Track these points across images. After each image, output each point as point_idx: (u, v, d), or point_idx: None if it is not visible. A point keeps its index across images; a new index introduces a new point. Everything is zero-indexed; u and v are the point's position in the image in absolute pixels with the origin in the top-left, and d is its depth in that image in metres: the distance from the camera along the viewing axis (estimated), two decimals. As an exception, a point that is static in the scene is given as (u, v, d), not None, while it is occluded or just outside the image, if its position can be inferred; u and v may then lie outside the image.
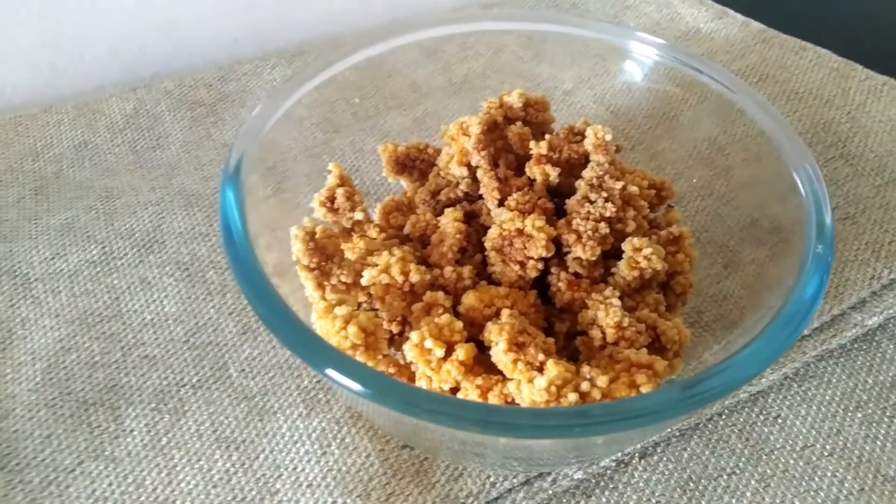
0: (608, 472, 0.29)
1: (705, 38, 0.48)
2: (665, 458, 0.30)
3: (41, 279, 0.36)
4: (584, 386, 0.22)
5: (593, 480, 0.29)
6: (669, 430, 0.30)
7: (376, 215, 0.33)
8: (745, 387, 0.31)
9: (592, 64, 0.41)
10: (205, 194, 0.41)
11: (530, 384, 0.22)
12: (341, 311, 0.25)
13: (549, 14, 0.37)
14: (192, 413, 0.31)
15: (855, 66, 0.43)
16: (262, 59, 0.50)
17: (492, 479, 0.28)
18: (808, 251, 0.24)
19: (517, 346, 0.24)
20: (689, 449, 0.30)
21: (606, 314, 0.26)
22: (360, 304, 0.29)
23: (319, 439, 0.30)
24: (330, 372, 0.21)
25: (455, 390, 0.26)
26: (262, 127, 0.31)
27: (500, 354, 0.24)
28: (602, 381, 0.22)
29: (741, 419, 0.31)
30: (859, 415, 0.31)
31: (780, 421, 0.31)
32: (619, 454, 0.29)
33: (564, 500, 0.29)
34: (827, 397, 0.32)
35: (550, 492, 0.28)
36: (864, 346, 0.33)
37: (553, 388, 0.21)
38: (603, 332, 0.26)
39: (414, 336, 0.25)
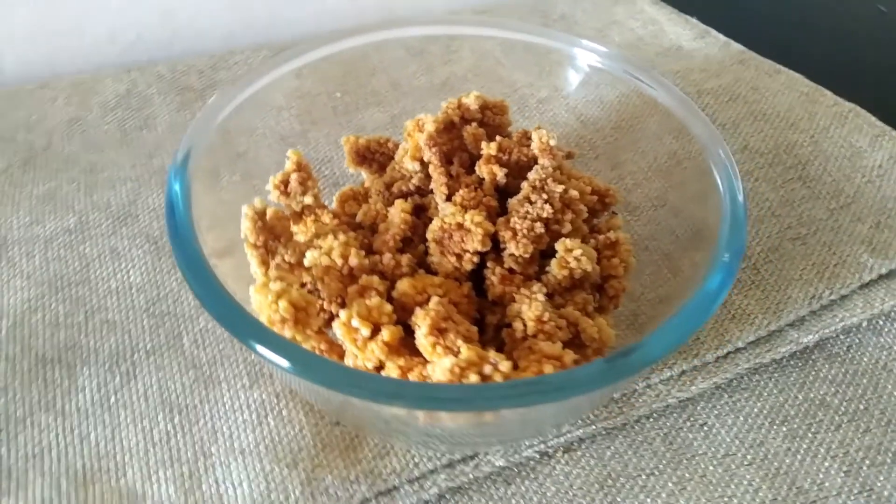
0: (531, 462, 0.31)
1: (685, 56, 0.49)
2: (588, 454, 0.31)
3: (18, 242, 0.38)
4: (487, 369, 0.23)
5: (515, 469, 0.30)
6: (594, 426, 0.31)
7: (334, 202, 0.34)
8: (675, 392, 0.32)
9: (567, 75, 0.42)
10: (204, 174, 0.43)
11: (437, 365, 0.23)
12: (275, 286, 0.26)
13: (530, 26, 0.38)
14: (142, 376, 0.33)
15: (824, 91, 0.44)
16: (254, 50, 0.52)
17: (416, 459, 0.30)
18: (719, 258, 0.25)
19: (439, 332, 0.26)
20: (612, 447, 0.31)
21: (529, 307, 0.27)
22: (303, 285, 0.30)
23: (258, 410, 0.31)
24: (253, 344, 0.23)
25: (380, 369, 0.27)
26: (221, 112, 0.32)
27: (421, 338, 0.26)
28: (504, 366, 0.23)
29: (668, 423, 0.32)
30: (784, 428, 0.32)
31: (705, 428, 0.32)
32: (543, 446, 0.30)
33: (485, 486, 0.30)
34: (755, 409, 0.33)
35: (472, 476, 0.30)
36: (799, 364, 0.34)
37: (456, 370, 0.23)
38: (525, 325, 0.27)
39: (342, 314, 0.26)
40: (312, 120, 0.45)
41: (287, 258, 0.29)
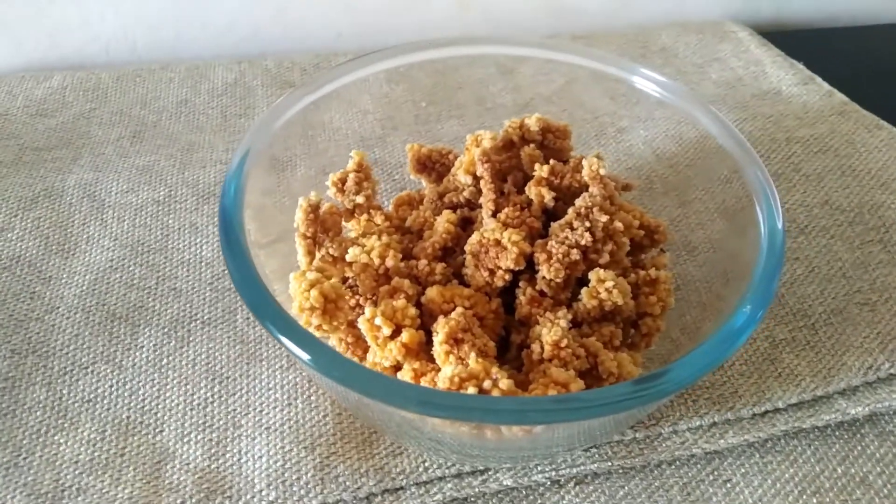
0: (540, 487, 0.31)
1: (782, 101, 0.47)
2: (600, 490, 0.31)
3: (113, 206, 0.42)
4: (487, 384, 0.23)
5: (523, 492, 0.30)
6: (610, 462, 0.31)
7: (391, 205, 0.36)
8: (702, 443, 0.31)
9: (649, 109, 0.41)
10: (280, 162, 0.45)
11: (441, 373, 0.24)
12: (311, 275, 0.28)
13: (622, 61, 0.38)
14: (194, 344, 0.35)
15: (927, 154, 0.41)
16: (358, 53, 0.54)
17: (426, 464, 0.30)
18: (742, 305, 0.25)
19: (455, 341, 0.26)
20: (626, 488, 0.31)
21: (549, 331, 0.27)
22: (346, 279, 0.32)
23: (289, 391, 0.33)
24: (275, 332, 0.24)
25: (398, 369, 0.28)
26: (303, 105, 0.34)
27: (437, 344, 0.26)
28: (504, 383, 0.23)
29: (689, 473, 0.31)
30: (815, 500, 0.30)
31: (728, 485, 0.31)
32: (554, 473, 0.30)
33: (491, 503, 0.30)
34: (787, 475, 0.31)
35: (478, 490, 0.30)
36: (845, 436, 0.32)
37: (456, 379, 0.23)
38: (542, 348, 0.27)
39: (367, 311, 0.27)
40: (394, 125, 0.47)
41: (331, 251, 0.31)
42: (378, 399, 0.22)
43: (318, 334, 0.28)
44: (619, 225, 0.30)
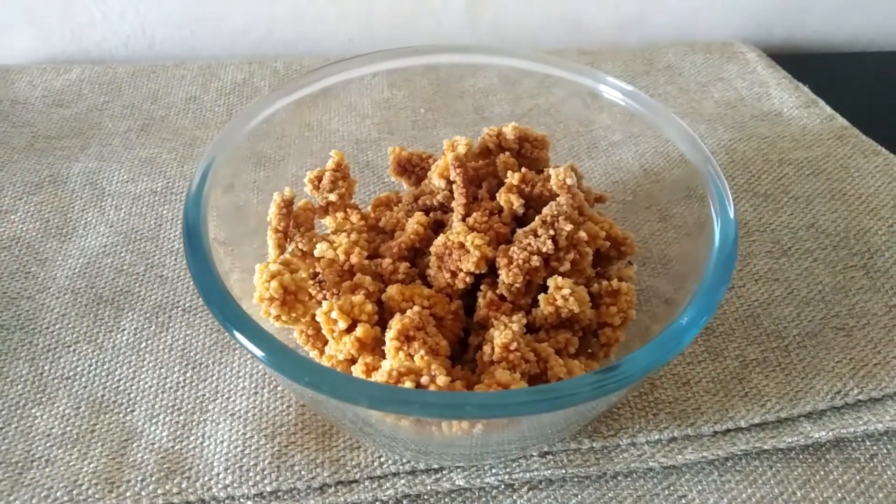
0: (493, 490, 0.31)
1: (782, 123, 0.47)
2: (552, 497, 0.31)
3: (112, 195, 0.43)
4: (424, 380, 0.24)
5: (475, 493, 0.31)
6: (565, 469, 0.31)
7: (370, 206, 0.36)
8: (660, 457, 0.31)
9: (644, 126, 0.42)
10: (272, 160, 0.47)
11: (382, 367, 0.25)
12: (274, 267, 0.28)
13: (620, 84, 0.37)
14: (173, 330, 0.36)
15: (922, 182, 0.41)
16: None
17: (382, 459, 0.31)
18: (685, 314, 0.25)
19: (406, 338, 0.27)
20: (579, 496, 0.31)
21: (500, 334, 0.27)
22: (316, 274, 0.32)
23: (257, 381, 0.34)
24: (228, 326, 0.25)
25: (353, 363, 0.28)
26: (297, 97, 0.35)
27: (387, 340, 0.27)
28: (441, 380, 0.24)
29: (645, 487, 0.31)
30: (771, 522, 0.30)
31: (683, 501, 0.31)
32: (508, 477, 0.31)
33: (443, 502, 0.30)
34: (745, 495, 0.31)
35: (430, 488, 0.30)
36: (809, 460, 0.32)
37: (395, 373, 0.24)
38: (493, 350, 0.27)
39: (325, 305, 0.28)
40: (390, 129, 0.48)
41: (301, 246, 0.31)
42: (316, 390, 0.23)
43: (277, 325, 0.29)
44: (583, 235, 0.30)
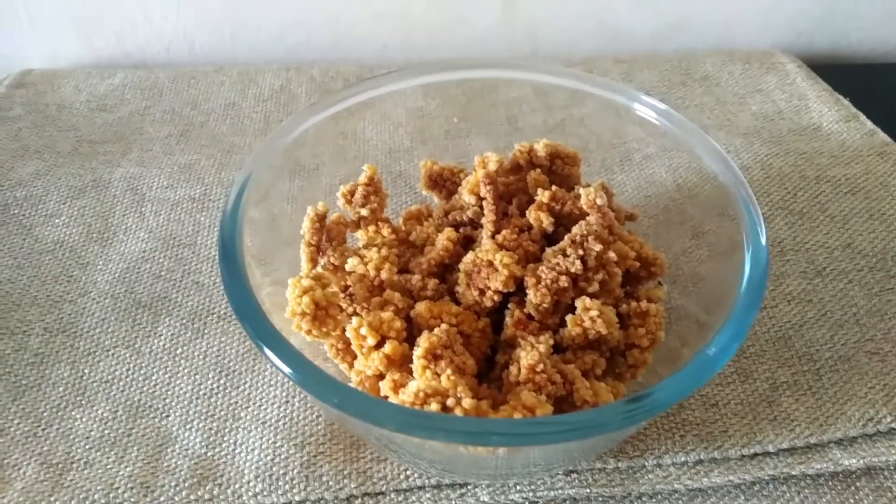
0: (517, 507, 0.31)
1: (821, 137, 0.46)
2: (576, 516, 0.31)
3: (152, 201, 0.45)
4: (450, 402, 0.24)
5: (499, 509, 0.31)
6: (589, 489, 0.31)
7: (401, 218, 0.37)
8: (685, 479, 0.31)
9: (676, 143, 0.41)
10: (306, 169, 0.48)
11: (408, 387, 0.25)
12: (306, 282, 0.29)
13: (652, 101, 0.37)
14: (208, 336, 0.37)
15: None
16: (403, 67, 0.56)
17: (408, 473, 0.31)
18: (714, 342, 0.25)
19: (433, 356, 0.27)
20: (603, 516, 0.31)
21: (527, 354, 0.27)
22: (347, 287, 0.33)
23: (289, 390, 0.35)
24: (260, 343, 0.25)
25: (381, 378, 0.29)
26: (334, 111, 0.36)
27: (415, 358, 0.27)
28: (468, 403, 0.24)
29: (670, 508, 0.31)
30: (797, 549, 0.30)
31: (708, 524, 0.30)
32: (532, 494, 0.31)
33: (466, 516, 0.31)
34: (771, 520, 0.31)
35: (455, 503, 0.31)
36: (839, 487, 0.31)
37: (421, 394, 0.24)
38: (519, 370, 0.28)
39: (354, 321, 0.28)
40: (423, 139, 0.48)
41: (333, 260, 0.32)
42: (343, 411, 0.23)
43: (308, 339, 0.30)
44: (612, 255, 0.30)
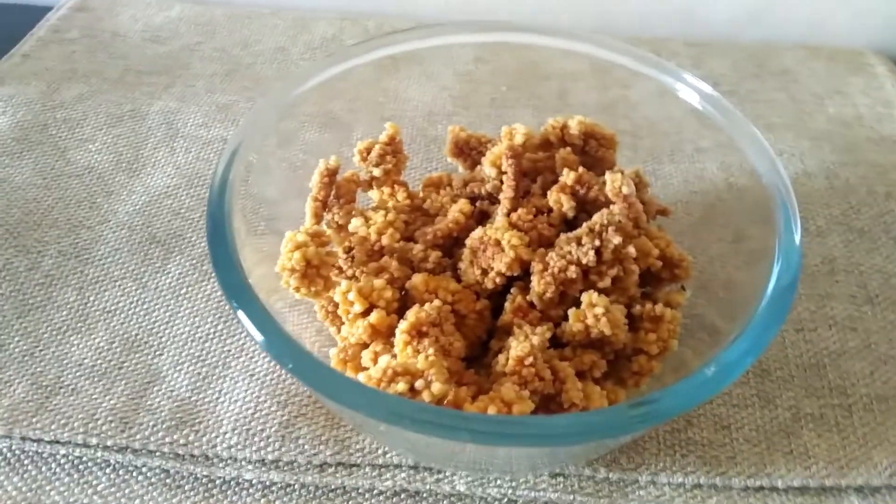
0: (494, 502, 0.29)
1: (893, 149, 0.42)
2: (555, 521, 0.29)
3: (185, 137, 0.44)
4: (419, 384, 0.22)
5: (475, 501, 0.29)
6: (573, 495, 0.29)
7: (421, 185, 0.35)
8: (679, 501, 0.29)
9: (732, 136, 0.38)
10: (340, 122, 0.46)
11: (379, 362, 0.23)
12: (301, 237, 0.28)
13: (714, 97, 0.34)
14: (214, 280, 0.36)
15: None
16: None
17: (386, 449, 0.30)
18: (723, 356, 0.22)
19: (418, 333, 0.26)
20: (585, 525, 0.29)
21: (518, 345, 0.25)
22: (350, 248, 0.31)
23: (281, 346, 0.34)
24: (239, 309, 0.24)
25: (365, 348, 0.28)
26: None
27: (398, 332, 0.26)
28: (437, 388, 0.22)
29: (659, 529, 0.29)
30: None
31: (697, 553, 0.28)
32: (512, 492, 0.29)
33: (440, 503, 0.29)
34: (769, 560, 0.28)
35: (430, 487, 0.29)
36: (852, 536, 0.28)
37: (389, 372, 0.23)
38: (507, 361, 0.26)
39: (343, 284, 0.27)
40: (466, 104, 0.46)
41: (337, 218, 0.31)
42: (301, 380, 0.22)
43: (298, 296, 0.29)
44: (631, 250, 0.28)
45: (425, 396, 0.22)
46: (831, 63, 0.49)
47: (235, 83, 0.49)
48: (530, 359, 0.25)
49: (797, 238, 0.26)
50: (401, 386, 0.22)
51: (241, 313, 0.23)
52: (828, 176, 0.40)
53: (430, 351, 0.25)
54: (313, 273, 0.27)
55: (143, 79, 0.49)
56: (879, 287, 0.35)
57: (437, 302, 0.27)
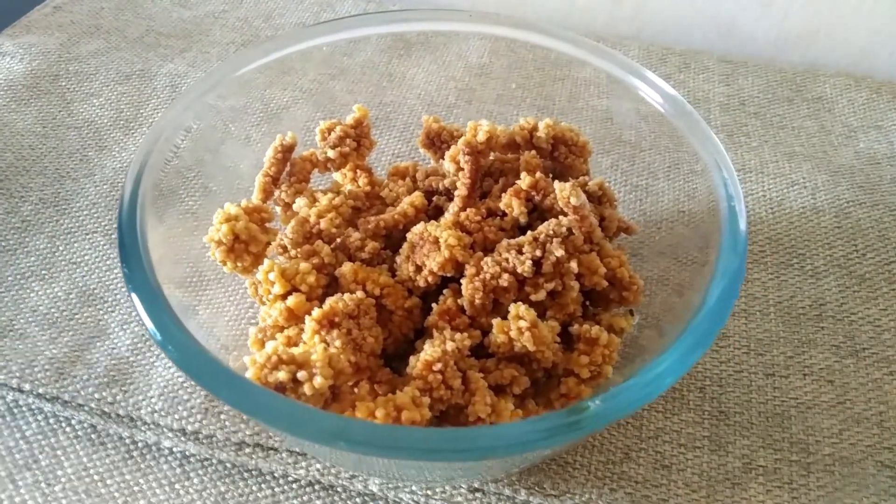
0: (404, 507, 0.28)
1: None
2: (464, 538, 0.27)
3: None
4: (301, 375, 0.21)
5: (388, 502, 0.28)
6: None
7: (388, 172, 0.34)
8: (598, 538, 0.27)
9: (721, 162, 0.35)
10: (337, 104, 0.45)
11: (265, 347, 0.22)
12: (234, 209, 0.27)
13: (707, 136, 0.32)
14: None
15: None
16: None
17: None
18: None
19: (329, 322, 0.25)
20: (493, 548, 0.27)
21: (430, 349, 0.24)
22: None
23: (235, 318, 0.33)
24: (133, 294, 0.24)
25: (281, 330, 0.27)
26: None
27: (308, 319, 0.25)
28: (319, 381, 0.21)
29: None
30: None
31: None
32: (424, 499, 0.28)
33: (351, 499, 0.28)
34: None
35: (342, 483, 0.28)
36: None
37: (273, 359, 0.22)
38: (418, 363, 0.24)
39: (266, 264, 0.26)
40: (470, 98, 0.44)
41: (284, 196, 0.30)
42: (179, 367, 0.21)
43: (226, 270, 0.28)
44: (573, 266, 0.26)
45: (306, 389, 0.21)
46: (874, 95, 0.45)
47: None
48: (439, 364, 0.24)
49: (734, 262, 0.23)
50: (282, 375, 0.21)
51: (135, 298, 0.23)
52: (837, 214, 0.36)
53: (338, 343, 0.24)
54: (241, 248, 0.27)
55: (161, 41, 0.49)
56: (868, 340, 0.31)
57: (359, 293, 0.26)
